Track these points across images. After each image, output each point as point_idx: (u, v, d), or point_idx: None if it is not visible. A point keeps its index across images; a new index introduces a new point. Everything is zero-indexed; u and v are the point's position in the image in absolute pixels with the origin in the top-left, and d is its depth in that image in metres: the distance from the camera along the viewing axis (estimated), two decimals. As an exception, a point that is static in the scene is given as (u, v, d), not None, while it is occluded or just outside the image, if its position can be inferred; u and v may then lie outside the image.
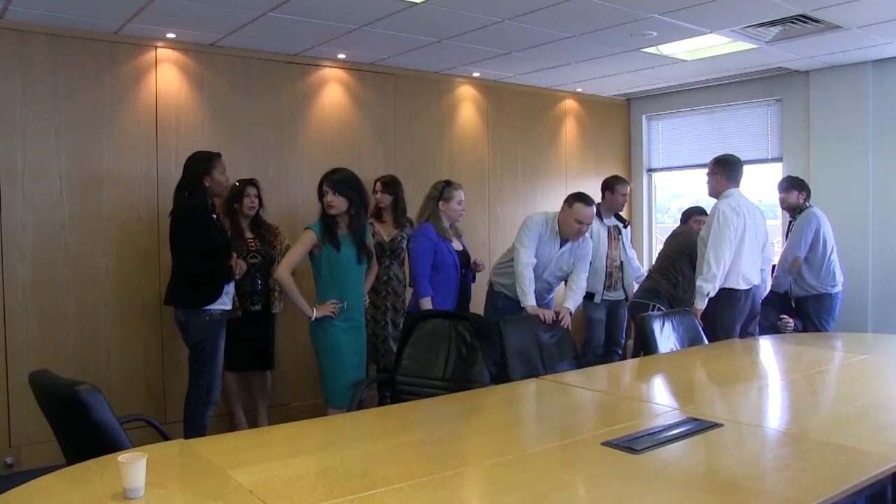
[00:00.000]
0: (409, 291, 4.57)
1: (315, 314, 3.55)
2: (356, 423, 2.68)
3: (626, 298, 5.15)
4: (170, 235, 3.88)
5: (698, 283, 4.21)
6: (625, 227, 5.23)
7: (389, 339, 4.54)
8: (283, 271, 3.57)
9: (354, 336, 3.65)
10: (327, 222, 3.57)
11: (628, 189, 5.22)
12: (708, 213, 5.23)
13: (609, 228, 5.10)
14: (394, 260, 4.57)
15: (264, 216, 4.60)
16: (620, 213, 5.26)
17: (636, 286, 5.14)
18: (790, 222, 5.20)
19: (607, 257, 5.05)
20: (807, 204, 5.09)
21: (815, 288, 4.97)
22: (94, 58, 4.36)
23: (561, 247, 4.35)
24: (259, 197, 4.52)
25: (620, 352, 5.25)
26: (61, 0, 3.82)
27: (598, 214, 5.00)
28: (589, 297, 4.91)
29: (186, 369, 3.97)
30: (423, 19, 4.26)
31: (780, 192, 5.20)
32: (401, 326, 4.66)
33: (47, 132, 4.22)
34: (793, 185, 5.14)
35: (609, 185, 5.15)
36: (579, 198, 4.25)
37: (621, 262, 5.13)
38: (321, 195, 3.59)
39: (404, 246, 4.57)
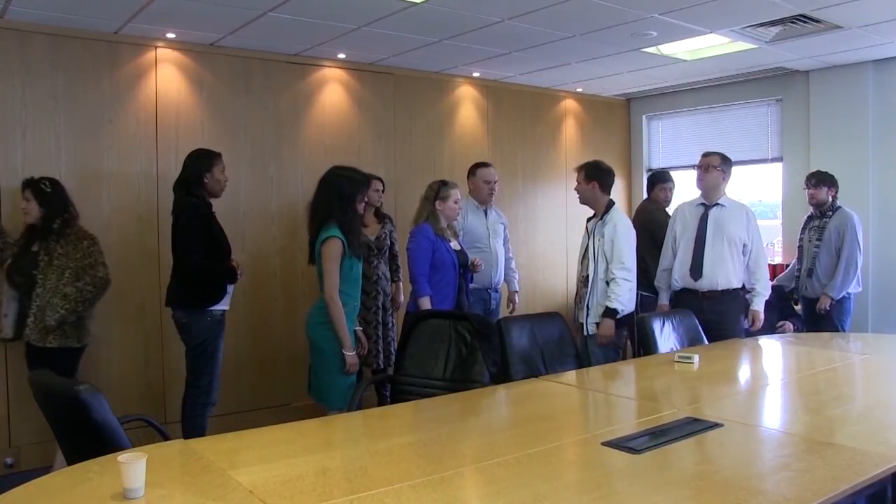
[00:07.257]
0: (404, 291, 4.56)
1: (348, 353, 3.41)
2: (356, 423, 2.68)
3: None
4: (173, 234, 3.87)
5: (764, 292, 4.21)
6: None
7: (380, 340, 4.54)
8: (335, 294, 3.36)
9: (353, 337, 3.65)
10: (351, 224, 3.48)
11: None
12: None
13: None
14: (381, 259, 4.57)
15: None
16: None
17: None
18: (810, 220, 5.07)
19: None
20: (837, 203, 4.96)
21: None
22: (94, 58, 4.36)
23: (486, 216, 4.75)
24: None
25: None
26: (61, 0, 3.82)
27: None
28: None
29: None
30: (423, 19, 4.26)
31: (808, 188, 5.02)
32: (392, 324, 4.68)
33: (47, 132, 4.22)
34: (823, 181, 4.96)
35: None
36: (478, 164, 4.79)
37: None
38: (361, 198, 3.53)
39: (388, 243, 4.61)
